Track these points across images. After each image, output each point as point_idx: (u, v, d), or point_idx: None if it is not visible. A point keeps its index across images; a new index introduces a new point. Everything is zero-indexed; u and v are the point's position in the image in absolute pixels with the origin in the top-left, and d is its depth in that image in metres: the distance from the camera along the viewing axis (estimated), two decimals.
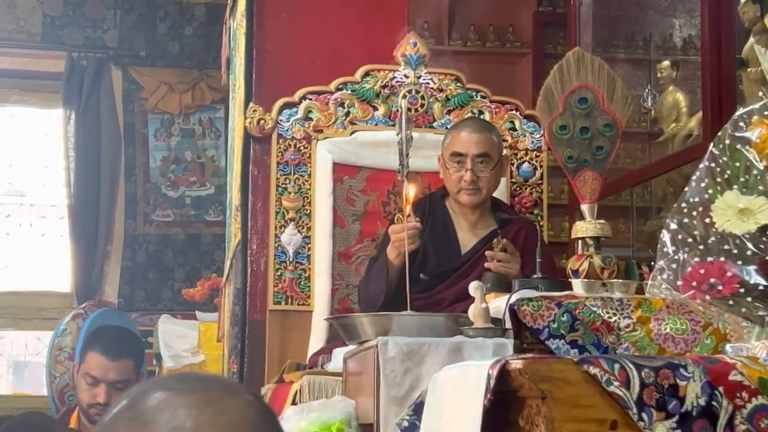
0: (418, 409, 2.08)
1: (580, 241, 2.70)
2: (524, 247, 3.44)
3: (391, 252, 3.36)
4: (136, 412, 1.10)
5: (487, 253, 3.34)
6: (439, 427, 1.92)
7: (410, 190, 2.94)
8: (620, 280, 2.53)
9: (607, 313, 2.35)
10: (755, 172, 1.83)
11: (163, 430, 1.08)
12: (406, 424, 2.10)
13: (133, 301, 7.12)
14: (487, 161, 3.48)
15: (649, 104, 5.23)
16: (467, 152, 3.48)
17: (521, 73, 6.49)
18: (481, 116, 3.91)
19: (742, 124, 1.85)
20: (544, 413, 1.64)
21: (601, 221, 2.69)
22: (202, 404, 1.09)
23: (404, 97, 3.86)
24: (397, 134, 3.06)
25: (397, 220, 3.41)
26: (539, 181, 3.96)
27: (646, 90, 5.25)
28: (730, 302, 1.78)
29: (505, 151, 3.72)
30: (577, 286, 2.50)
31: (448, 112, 3.93)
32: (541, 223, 3.85)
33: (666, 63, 5.22)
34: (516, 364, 1.68)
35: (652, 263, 1.99)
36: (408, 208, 3.01)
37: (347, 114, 3.90)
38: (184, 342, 5.53)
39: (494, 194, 3.69)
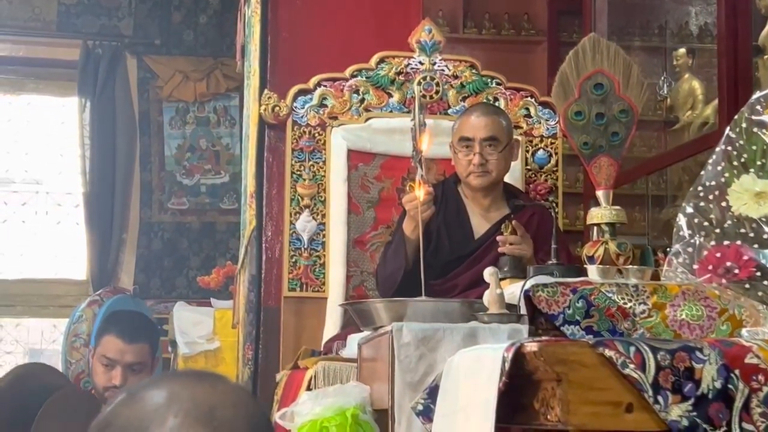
0: (432, 392, 2.08)
1: (595, 228, 2.70)
2: (537, 233, 3.44)
3: (407, 225, 3.38)
4: (132, 394, 1.16)
5: (498, 238, 3.34)
6: (454, 411, 1.93)
7: (424, 142, 2.94)
8: (636, 266, 2.52)
9: (623, 299, 2.34)
10: None
11: (159, 400, 1.13)
12: (420, 407, 2.10)
13: (148, 289, 7.14)
14: (495, 144, 3.49)
15: (665, 92, 5.22)
16: (475, 136, 3.49)
17: (536, 62, 6.47)
18: (496, 103, 3.90)
19: (759, 107, 1.84)
20: (559, 396, 1.64)
21: (617, 207, 2.68)
22: (195, 380, 1.16)
23: (419, 84, 3.87)
24: (411, 120, 3.06)
25: (409, 189, 3.43)
26: (554, 168, 3.96)
27: (662, 78, 5.23)
28: (747, 286, 1.77)
29: (516, 137, 3.72)
30: (593, 272, 2.50)
31: (463, 99, 3.93)
32: (556, 210, 3.85)
33: (682, 51, 5.20)
34: (531, 346, 1.68)
35: (668, 250, 1.99)
36: (420, 170, 2.99)
37: (362, 101, 3.90)
38: (200, 329, 5.54)
39: (510, 181, 3.70)
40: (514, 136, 3.65)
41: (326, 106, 3.88)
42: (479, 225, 3.55)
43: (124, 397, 1.16)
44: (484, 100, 3.90)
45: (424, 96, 3.85)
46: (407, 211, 3.36)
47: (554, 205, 3.89)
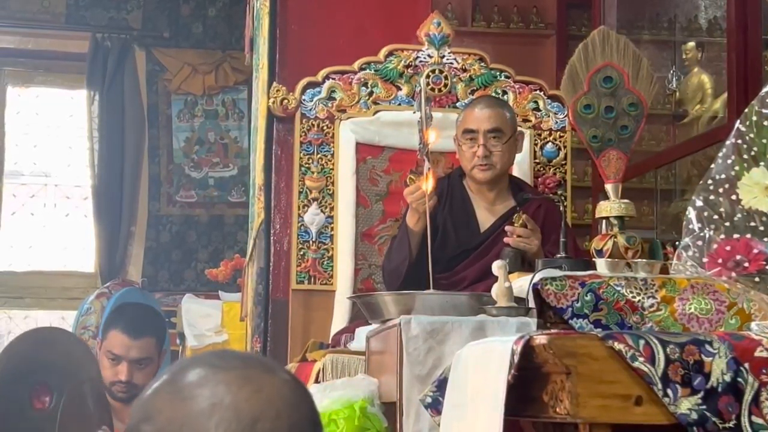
0: (441, 385, 2.08)
1: (604, 221, 2.69)
2: (543, 226, 3.44)
3: (410, 218, 3.38)
4: (176, 386, 1.14)
5: (507, 227, 3.34)
6: (463, 403, 1.93)
7: (431, 135, 2.93)
8: (644, 260, 2.52)
9: (631, 292, 2.33)
10: None
11: (202, 406, 1.12)
12: (429, 400, 2.11)
13: (156, 282, 7.15)
14: (499, 136, 3.49)
15: (674, 86, 5.20)
16: (479, 128, 3.48)
17: (545, 55, 6.45)
18: (505, 96, 3.90)
19: None
20: (568, 389, 1.64)
21: (626, 201, 2.68)
22: (241, 381, 1.14)
23: (428, 76, 3.86)
24: (414, 112, 3.06)
25: (409, 182, 3.43)
26: (563, 162, 3.96)
27: (671, 71, 5.21)
28: (756, 279, 1.77)
29: (521, 129, 3.71)
30: (601, 265, 2.49)
31: (472, 92, 3.92)
32: (564, 204, 3.85)
33: (691, 44, 5.19)
34: (540, 339, 1.68)
35: (677, 243, 1.99)
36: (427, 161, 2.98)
37: (370, 94, 3.90)
38: (208, 321, 5.56)
39: (518, 174, 3.69)
40: (519, 128, 3.65)
41: (335, 99, 3.88)
42: (485, 218, 3.55)
43: (165, 387, 1.15)
44: (493, 94, 3.89)
45: (432, 89, 3.85)
46: (409, 203, 3.36)
47: (563, 198, 3.89)
